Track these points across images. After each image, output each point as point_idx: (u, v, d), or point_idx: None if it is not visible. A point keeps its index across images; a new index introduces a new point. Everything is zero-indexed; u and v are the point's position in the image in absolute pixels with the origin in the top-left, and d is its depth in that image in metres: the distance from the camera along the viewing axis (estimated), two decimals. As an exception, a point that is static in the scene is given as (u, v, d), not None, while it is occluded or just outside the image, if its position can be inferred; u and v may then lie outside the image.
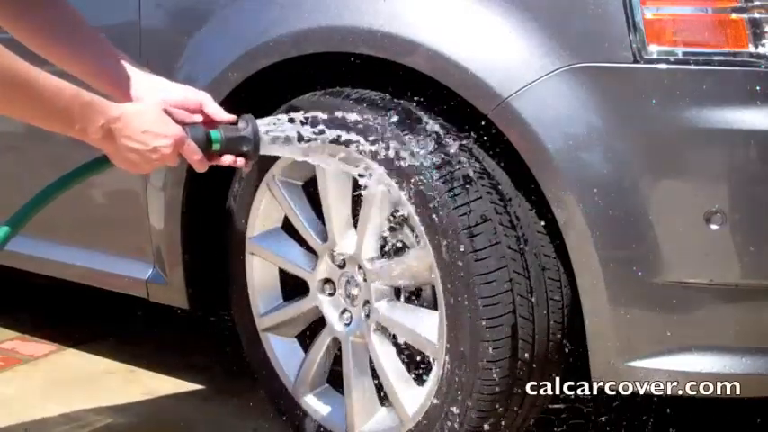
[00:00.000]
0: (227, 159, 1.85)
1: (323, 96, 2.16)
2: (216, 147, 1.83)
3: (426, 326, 2.13)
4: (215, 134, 1.83)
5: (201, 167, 1.84)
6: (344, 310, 2.29)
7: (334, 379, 2.35)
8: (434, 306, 2.12)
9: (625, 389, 1.95)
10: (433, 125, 2.05)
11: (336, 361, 2.33)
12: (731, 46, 1.82)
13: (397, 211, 2.15)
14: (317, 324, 2.36)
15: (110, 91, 1.87)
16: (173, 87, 1.90)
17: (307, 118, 1.93)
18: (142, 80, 1.89)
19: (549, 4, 1.91)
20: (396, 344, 2.22)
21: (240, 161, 1.86)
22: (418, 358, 2.21)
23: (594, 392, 2.10)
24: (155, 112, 1.79)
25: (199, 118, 1.86)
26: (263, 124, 1.88)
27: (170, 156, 1.79)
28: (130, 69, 1.89)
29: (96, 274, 2.69)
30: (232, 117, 1.88)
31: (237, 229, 2.39)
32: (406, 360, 2.22)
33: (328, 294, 2.31)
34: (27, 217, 1.81)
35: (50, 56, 1.89)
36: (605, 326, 1.91)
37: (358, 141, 1.98)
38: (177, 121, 1.81)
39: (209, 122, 1.87)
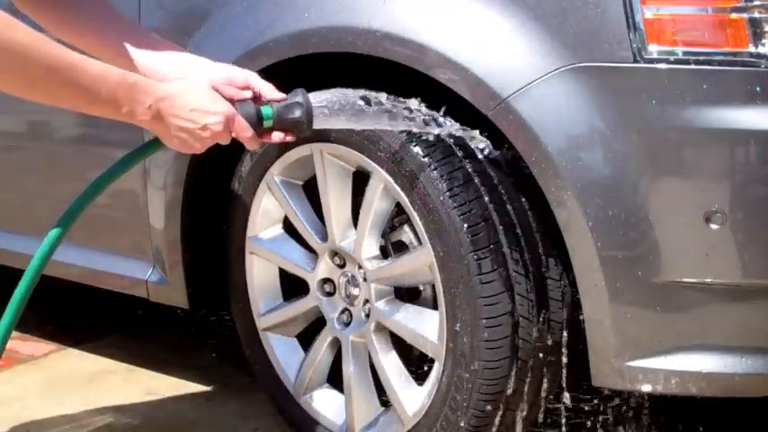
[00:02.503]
0: (276, 137, 1.82)
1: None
2: (267, 123, 1.79)
3: (426, 326, 2.13)
4: (266, 110, 1.79)
5: (253, 145, 1.81)
6: (344, 310, 2.29)
7: (334, 379, 2.35)
8: (434, 306, 2.12)
9: (625, 389, 1.95)
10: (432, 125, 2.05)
11: (336, 361, 2.33)
12: (731, 46, 1.82)
13: (398, 210, 2.15)
14: (317, 324, 2.36)
15: (151, 75, 1.84)
16: (217, 66, 1.88)
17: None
18: (185, 61, 1.87)
19: (549, 4, 1.91)
20: (396, 343, 2.22)
21: (290, 137, 1.83)
22: (418, 358, 2.21)
23: (594, 392, 2.10)
24: (202, 90, 1.76)
25: (248, 94, 1.82)
26: (315, 98, 1.84)
27: (221, 133, 1.75)
28: (171, 52, 1.88)
29: (96, 274, 2.69)
30: (282, 95, 1.84)
31: (237, 229, 2.39)
32: (406, 360, 2.22)
33: (328, 294, 2.31)
34: (80, 210, 1.78)
35: (87, 47, 1.87)
36: (605, 326, 1.91)
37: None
38: (226, 98, 1.78)
39: (258, 99, 1.83)
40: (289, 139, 1.83)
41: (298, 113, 1.80)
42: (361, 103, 1.88)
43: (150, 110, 1.72)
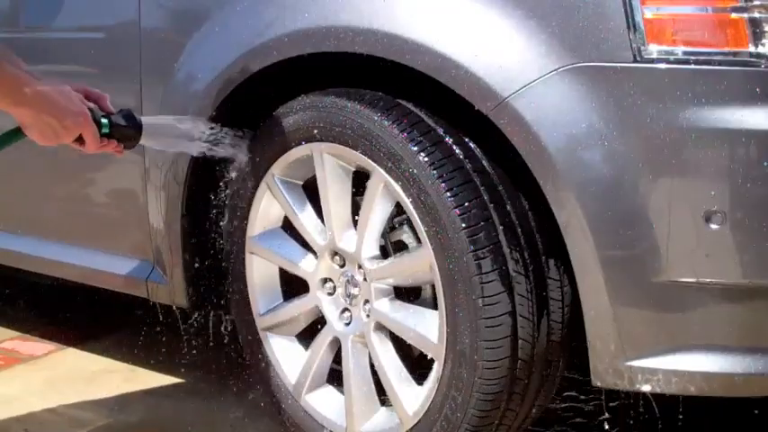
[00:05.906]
0: (110, 145, 2.02)
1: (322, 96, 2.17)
2: (105, 130, 1.98)
3: (426, 325, 2.13)
4: (105, 119, 2.00)
5: (94, 147, 1.97)
6: (344, 310, 2.29)
7: (335, 379, 2.35)
8: (434, 306, 2.12)
9: (625, 389, 1.95)
10: (432, 125, 2.05)
11: (336, 360, 2.33)
12: (731, 46, 1.82)
13: (398, 210, 2.15)
14: (317, 323, 2.36)
15: None
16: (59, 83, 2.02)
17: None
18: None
19: (549, 4, 1.91)
20: (396, 343, 2.21)
21: (118, 148, 2.03)
22: (418, 358, 2.21)
23: (595, 392, 2.10)
24: (67, 89, 1.92)
25: (92, 104, 1.99)
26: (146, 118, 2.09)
27: (75, 130, 1.91)
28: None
29: (96, 274, 2.69)
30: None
31: (237, 229, 2.39)
32: (406, 360, 2.22)
33: (328, 294, 2.31)
34: None
35: None
36: (605, 326, 1.91)
37: None
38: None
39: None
40: (118, 150, 2.02)
41: (129, 129, 2.03)
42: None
43: (22, 96, 1.83)
